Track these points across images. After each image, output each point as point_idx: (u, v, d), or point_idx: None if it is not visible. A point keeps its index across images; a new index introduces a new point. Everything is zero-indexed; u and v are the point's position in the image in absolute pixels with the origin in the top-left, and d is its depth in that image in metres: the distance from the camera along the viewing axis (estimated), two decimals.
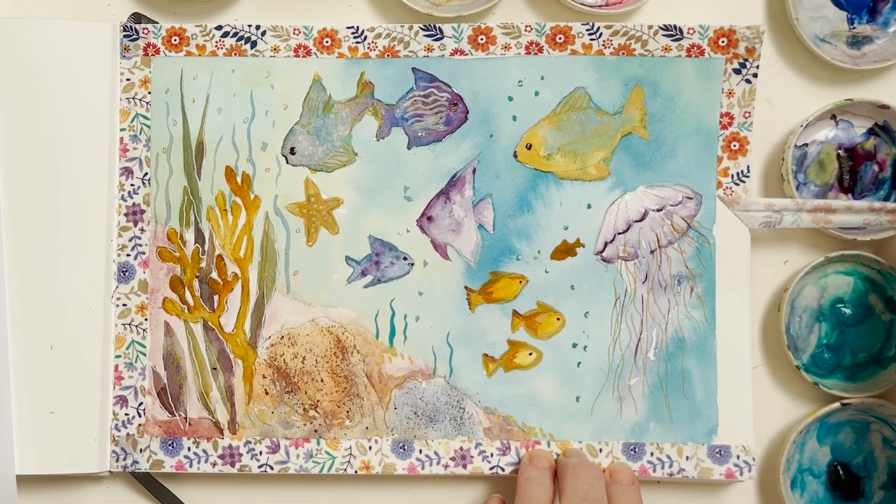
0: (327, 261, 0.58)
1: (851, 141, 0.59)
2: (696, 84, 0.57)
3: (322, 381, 0.57)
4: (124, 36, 0.58)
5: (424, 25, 0.58)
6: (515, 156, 0.58)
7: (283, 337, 0.58)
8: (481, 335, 0.58)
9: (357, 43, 0.58)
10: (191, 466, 0.57)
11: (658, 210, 0.57)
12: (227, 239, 0.58)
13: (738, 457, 0.56)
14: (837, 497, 0.58)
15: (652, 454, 0.57)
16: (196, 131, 0.58)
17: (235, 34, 0.58)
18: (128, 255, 0.58)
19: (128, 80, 0.58)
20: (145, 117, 0.58)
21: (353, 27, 0.58)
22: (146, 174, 0.58)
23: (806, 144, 0.59)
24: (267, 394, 0.57)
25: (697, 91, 0.57)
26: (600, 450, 0.57)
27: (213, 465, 0.57)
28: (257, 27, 0.58)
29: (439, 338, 0.58)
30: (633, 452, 0.57)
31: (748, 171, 0.57)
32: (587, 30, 0.57)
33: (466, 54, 0.58)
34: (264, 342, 0.58)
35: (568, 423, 0.57)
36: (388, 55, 0.58)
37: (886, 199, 0.59)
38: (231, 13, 0.61)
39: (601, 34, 0.57)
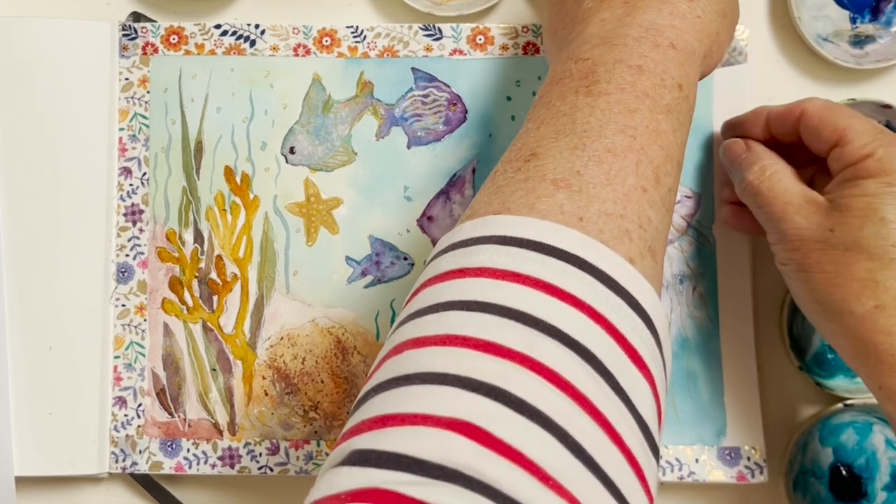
0: (327, 261, 0.58)
1: None
2: None
3: (322, 382, 0.57)
4: (123, 35, 0.58)
5: (424, 25, 0.58)
6: None
7: (282, 338, 0.57)
8: None
9: (356, 42, 0.58)
10: (190, 468, 0.57)
11: None
12: (226, 239, 0.58)
13: (748, 458, 0.55)
14: (840, 498, 0.57)
15: (661, 457, 0.56)
16: (195, 131, 0.58)
17: (234, 33, 0.58)
18: (127, 255, 0.58)
19: (126, 79, 0.58)
20: (144, 117, 0.58)
21: (352, 27, 0.58)
22: (145, 174, 0.58)
23: None
24: (267, 395, 0.57)
25: None
26: None
27: (213, 466, 0.57)
28: (256, 26, 0.58)
29: None
30: None
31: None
32: None
33: (465, 54, 0.58)
34: (264, 343, 0.57)
35: None
36: (387, 55, 0.58)
37: None
38: (230, 12, 0.61)
39: None
